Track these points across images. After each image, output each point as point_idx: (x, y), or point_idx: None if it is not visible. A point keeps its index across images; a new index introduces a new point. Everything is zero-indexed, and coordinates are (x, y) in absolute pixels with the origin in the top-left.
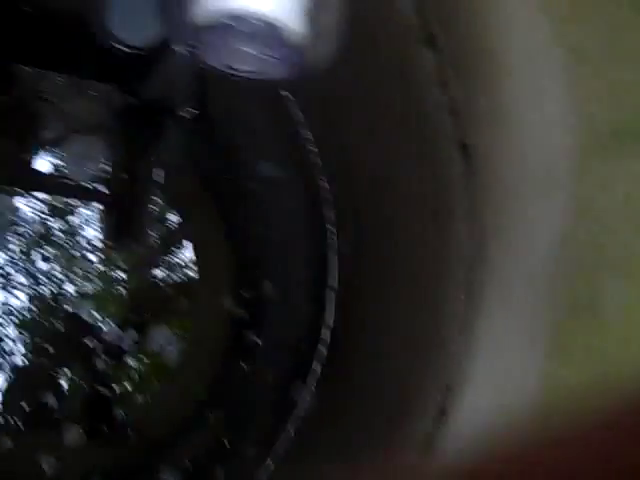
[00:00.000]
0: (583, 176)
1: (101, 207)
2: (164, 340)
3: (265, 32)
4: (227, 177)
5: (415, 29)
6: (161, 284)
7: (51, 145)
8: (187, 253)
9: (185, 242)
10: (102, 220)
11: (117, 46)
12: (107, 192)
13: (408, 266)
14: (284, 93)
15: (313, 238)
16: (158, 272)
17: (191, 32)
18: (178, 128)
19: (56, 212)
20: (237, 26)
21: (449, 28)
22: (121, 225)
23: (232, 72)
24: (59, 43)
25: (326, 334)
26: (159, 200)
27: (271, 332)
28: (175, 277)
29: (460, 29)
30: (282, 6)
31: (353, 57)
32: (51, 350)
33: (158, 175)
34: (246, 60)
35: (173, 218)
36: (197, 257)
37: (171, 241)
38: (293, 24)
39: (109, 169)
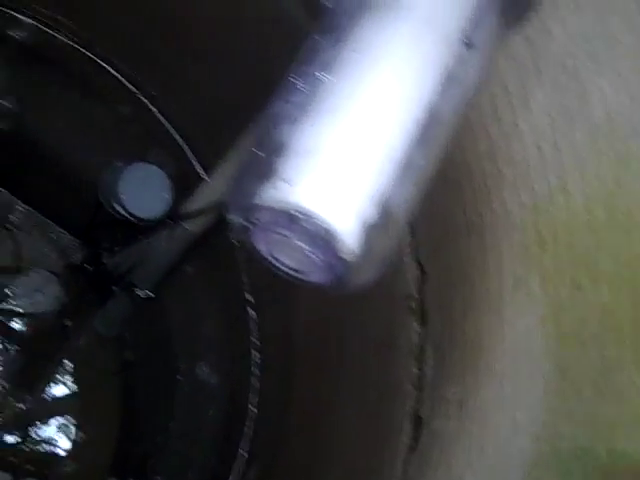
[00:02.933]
0: None
1: (16, 345)
2: None
3: (322, 236)
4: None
5: (412, 301)
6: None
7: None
8: (72, 421)
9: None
10: (9, 357)
11: (116, 209)
12: (28, 333)
13: None
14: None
15: (221, 457)
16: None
17: (251, 210)
18: (127, 303)
19: None
20: (297, 219)
21: (444, 313)
22: (24, 370)
23: (274, 263)
24: (48, 179)
25: None
26: (69, 364)
27: None
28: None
29: (454, 317)
30: (345, 220)
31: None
32: None
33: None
34: (293, 256)
35: (71, 384)
36: (83, 432)
37: (59, 407)
38: (351, 240)
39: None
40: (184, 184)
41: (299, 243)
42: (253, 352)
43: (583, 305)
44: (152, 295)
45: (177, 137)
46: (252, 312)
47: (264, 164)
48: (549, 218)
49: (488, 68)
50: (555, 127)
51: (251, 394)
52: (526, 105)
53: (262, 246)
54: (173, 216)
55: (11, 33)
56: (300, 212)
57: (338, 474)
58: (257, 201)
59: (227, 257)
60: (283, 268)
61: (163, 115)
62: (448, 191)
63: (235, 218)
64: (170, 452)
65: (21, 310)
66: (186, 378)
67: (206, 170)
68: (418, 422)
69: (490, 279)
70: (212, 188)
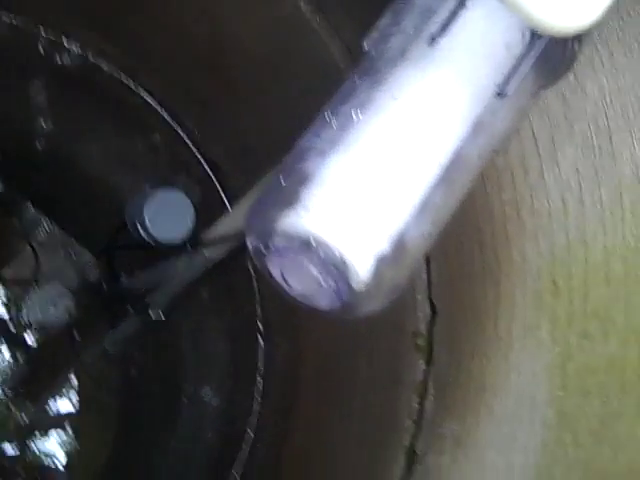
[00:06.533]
0: None
1: (25, 356)
2: None
3: (334, 264)
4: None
5: (420, 338)
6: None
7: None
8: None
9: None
10: (17, 366)
11: (140, 232)
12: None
13: None
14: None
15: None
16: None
17: (269, 234)
18: (138, 324)
19: None
20: (312, 246)
21: (451, 353)
22: (30, 380)
23: (286, 286)
24: (75, 198)
25: None
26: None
27: None
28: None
29: (461, 357)
30: (358, 250)
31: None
32: None
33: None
34: (305, 281)
35: (74, 398)
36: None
37: (59, 419)
38: (361, 270)
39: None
40: (208, 212)
41: (312, 269)
42: (258, 379)
43: (590, 355)
44: (163, 317)
45: (205, 166)
46: (261, 341)
47: (287, 192)
48: (566, 269)
49: (519, 121)
50: (581, 182)
51: (251, 419)
52: (554, 159)
53: (276, 269)
54: (193, 242)
55: (54, 56)
56: (316, 239)
57: None
58: (276, 226)
59: (243, 286)
60: (294, 292)
61: (193, 143)
62: (467, 233)
63: (253, 241)
64: (165, 471)
65: (32, 321)
66: (190, 400)
67: (230, 200)
68: (413, 456)
69: (501, 324)
70: (234, 218)
